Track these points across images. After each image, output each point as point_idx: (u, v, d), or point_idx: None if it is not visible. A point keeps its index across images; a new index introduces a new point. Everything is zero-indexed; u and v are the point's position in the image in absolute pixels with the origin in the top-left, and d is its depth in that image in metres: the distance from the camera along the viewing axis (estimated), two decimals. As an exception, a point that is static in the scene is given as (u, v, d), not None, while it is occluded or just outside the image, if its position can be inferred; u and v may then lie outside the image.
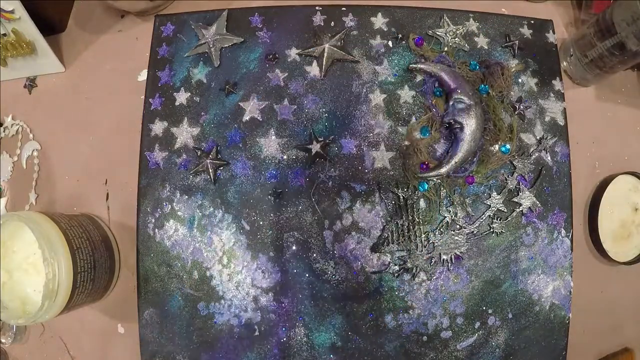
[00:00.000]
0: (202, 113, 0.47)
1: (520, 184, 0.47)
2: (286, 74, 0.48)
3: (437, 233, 0.45)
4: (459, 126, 0.45)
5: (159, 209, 0.46)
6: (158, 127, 0.48)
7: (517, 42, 0.50)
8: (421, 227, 0.45)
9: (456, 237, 0.46)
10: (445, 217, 0.46)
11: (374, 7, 0.49)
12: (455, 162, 0.44)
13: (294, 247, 0.45)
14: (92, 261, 0.43)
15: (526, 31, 0.51)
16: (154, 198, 0.47)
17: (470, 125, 0.44)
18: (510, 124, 0.47)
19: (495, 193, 0.46)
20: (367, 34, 0.49)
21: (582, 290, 0.49)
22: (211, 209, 0.46)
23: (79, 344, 0.50)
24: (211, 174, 0.46)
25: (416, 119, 0.47)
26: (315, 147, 0.46)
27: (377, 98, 0.47)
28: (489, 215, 0.46)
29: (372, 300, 0.45)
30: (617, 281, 0.52)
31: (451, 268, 0.46)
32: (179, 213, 0.46)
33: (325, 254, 0.45)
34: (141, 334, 0.46)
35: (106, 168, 0.51)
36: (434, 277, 0.45)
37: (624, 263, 0.50)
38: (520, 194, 0.47)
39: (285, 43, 0.48)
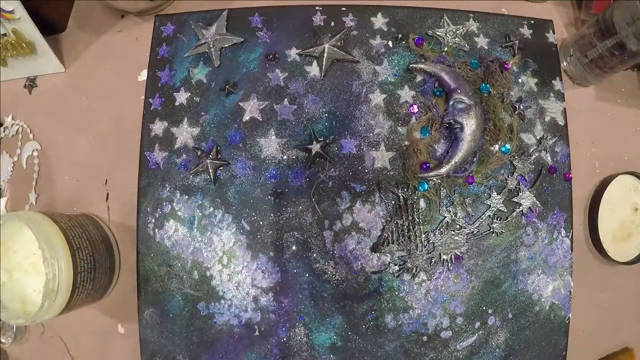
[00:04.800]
0: (202, 113, 0.47)
1: (520, 184, 0.47)
2: (286, 74, 0.48)
3: (437, 233, 0.45)
4: (459, 126, 0.45)
5: (159, 209, 0.46)
6: (158, 127, 0.48)
7: (517, 42, 0.50)
8: (421, 227, 0.45)
9: (456, 237, 0.46)
10: (445, 217, 0.46)
11: (374, 7, 0.49)
12: (455, 162, 0.44)
13: (294, 247, 0.45)
14: (92, 261, 0.43)
15: (526, 31, 0.51)
16: (154, 198, 0.47)
17: (470, 125, 0.44)
18: (510, 124, 0.47)
19: (495, 193, 0.46)
20: (367, 34, 0.49)
21: (582, 290, 0.49)
22: (211, 209, 0.46)
23: (79, 344, 0.50)
24: (211, 174, 0.46)
25: (416, 119, 0.47)
26: (315, 147, 0.46)
27: (377, 98, 0.47)
28: (489, 215, 0.46)
29: (372, 300, 0.45)
30: (617, 281, 0.52)
31: (451, 268, 0.46)
32: (179, 213, 0.46)
33: (325, 254, 0.45)
34: (141, 334, 0.46)
35: (106, 168, 0.50)
36: (434, 277, 0.45)
37: (624, 263, 0.50)
38: (520, 194, 0.47)
39: (285, 43, 0.48)
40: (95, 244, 0.45)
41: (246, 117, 0.47)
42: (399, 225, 0.45)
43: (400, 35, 0.49)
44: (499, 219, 0.46)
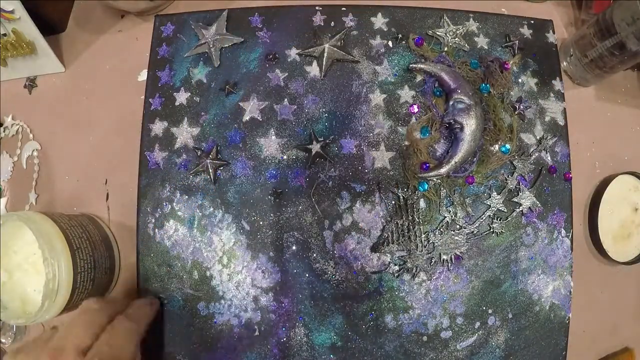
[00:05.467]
0: (202, 113, 0.47)
1: (520, 184, 0.47)
2: (286, 74, 0.48)
3: (437, 233, 0.45)
4: (459, 126, 0.45)
5: (159, 209, 0.46)
6: (158, 127, 0.48)
7: (517, 42, 0.50)
8: (421, 227, 0.45)
9: (456, 237, 0.46)
10: (445, 217, 0.46)
11: (374, 7, 0.49)
12: (455, 162, 0.44)
13: (294, 247, 0.45)
14: (92, 261, 0.43)
15: (526, 31, 0.51)
16: (154, 198, 0.47)
17: (470, 125, 0.44)
18: (510, 124, 0.47)
19: (495, 193, 0.46)
20: (367, 34, 0.49)
21: (582, 290, 0.49)
22: (211, 209, 0.46)
23: (79, 344, 0.50)
24: (211, 174, 0.46)
25: (416, 119, 0.47)
26: (315, 147, 0.46)
27: (377, 98, 0.47)
28: (489, 215, 0.46)
29: (372, 300, 0.45)
30: (617, 281, 0.52)
31: (451, 268, 0.46)
32: (179, 213, 0.46)
33: (325, 254, 0.45)
34: (141, 334, 0.46)
35: (106, 168, 0.51)
36: (434, 277, 0.45)
37: (624, 263, 0.50)
38: (520, 194, 0.47)
39: (285, 43, 0.48)
40: (95, 244, 0.45)
41: (246, 117, 0.47)
42: (399, 225, 0.45)
43: (400, 35, 0.49)
44: (499, 219, 0.46)
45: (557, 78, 0.50)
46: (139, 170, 0.47)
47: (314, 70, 0.48)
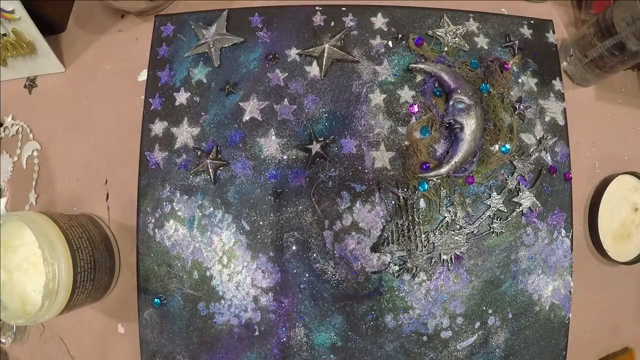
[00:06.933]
0: (202, 113, 0.47)
1: (520, 184, 0.47)
2: (286, 74, 0.48)
3: (437, 233, 0.45)
4: (459, 126, 0.45)
5: (159, 209, 0.46)
6: (158, 127, 0.48)
7: (517, 42, 0.50)
8: (421, 227, 0.45)
9: (456, 237, 0.46)
10: (445, 217, 0.46)
11: (374, 7, 0.49)
12: (455, 162, 0.44)
13: (294, 247, 0.45)
14: (92, 261, 0.43)
15: (526, 31, 0.51)
16: (154, 198, 0.47)
17: (470, 125, 0.44)
18: (510, 124, 0.47)
19: (495, 193, 0.46)
20: (367, 34, 0.49)
21: (582, 290, 0.49)
22: (211, 209, 0.46)
23: (79, 344, 0.50)
24: (211, 174, 0.46)
25: (416, 119, 0.47)
26: (315, 147, 0.46)
27: (377, 98, 0.47)
28: (489, 215, 0.46)
29: (372, 300, 0.45)
30: (617, 281, 0.52)
31: (451, 268, 0.46)
32: (179, 213, 0.46)
33: (325, 254, 0.45)
34: (141, 334, 0.46)
35: (106, 168, 0.51)
36: (434, 277, 0.45)
37: (624, 263, 0.50)
38: (520, 194, 0.47)
39: (285, 43, 0.48)
40: (95, 244, 0.45)
41: (246, 117, 0.47)
42: (399, 225, 0.45)
43: (400, 35, 0.49)
44: (499, 219, 0.46)
45: (557, 78, 0.50)
46: (139, 170, 0.47)
47: (314, 70, 0.48)
